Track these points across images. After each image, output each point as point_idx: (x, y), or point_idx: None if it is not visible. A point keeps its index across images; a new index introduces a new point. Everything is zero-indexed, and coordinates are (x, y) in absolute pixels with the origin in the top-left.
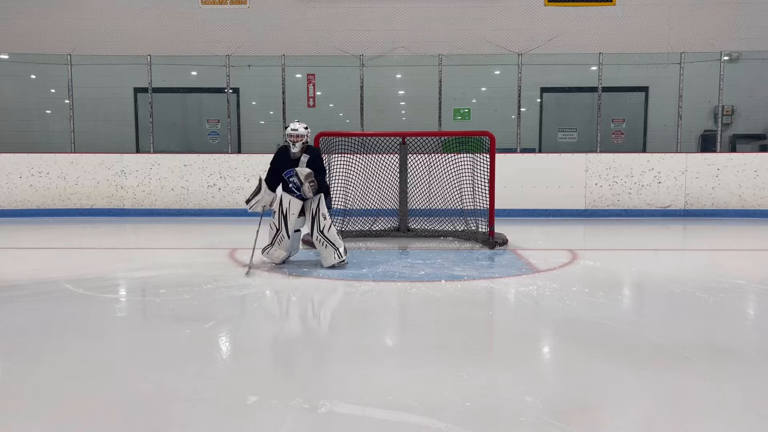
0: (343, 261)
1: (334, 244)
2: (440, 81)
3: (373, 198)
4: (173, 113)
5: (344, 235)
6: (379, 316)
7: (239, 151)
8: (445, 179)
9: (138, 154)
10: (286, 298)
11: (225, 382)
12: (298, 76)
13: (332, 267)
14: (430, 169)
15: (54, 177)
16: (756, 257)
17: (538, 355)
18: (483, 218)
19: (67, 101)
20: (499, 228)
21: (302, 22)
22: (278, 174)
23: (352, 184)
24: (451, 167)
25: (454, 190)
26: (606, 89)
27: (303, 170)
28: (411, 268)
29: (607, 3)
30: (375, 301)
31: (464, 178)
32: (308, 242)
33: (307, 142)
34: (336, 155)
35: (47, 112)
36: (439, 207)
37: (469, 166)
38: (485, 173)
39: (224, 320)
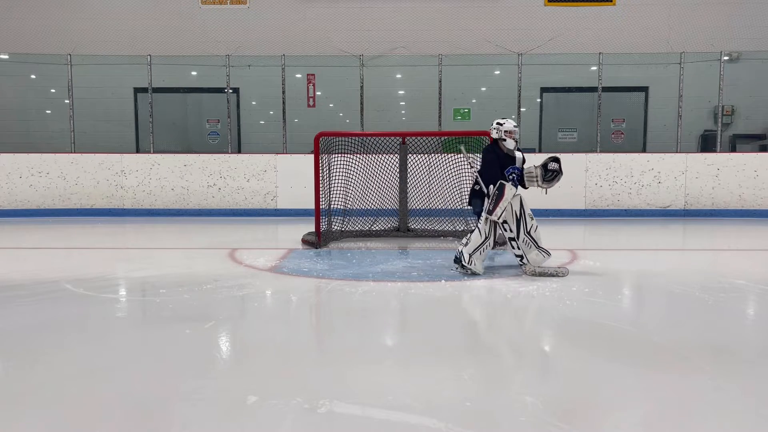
0: (549, 257)
1: (537, 244)
2: (440, 81)
3: (373, 198)
4: (173, 113)
5: (344, 235)
6: (379, 316)
7: (239, 151)
8: (445, 179)
9: (138, 154)
10: (286, 298)
11: (225, 382)
12: (298, 76)
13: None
14: (430, 169)
15: (54, 177)
16: (756, 257)
17: (538, 355)
18: None
19: (67, 101)
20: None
21: (302, 22)
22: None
23: (352, 184)
24: (451, 167)
25: (454, 190)
26: (606, 89)
27: (538, 169)
28: (411, 268)
29: (607, 3)
30: (375, 301)
31: (464, 178)
32: (308, 242)
33: None
34: (336, 155)
35: (47, 112)
36: (439, 207)
37: (469, 166)
38: None
39: (224, 320)
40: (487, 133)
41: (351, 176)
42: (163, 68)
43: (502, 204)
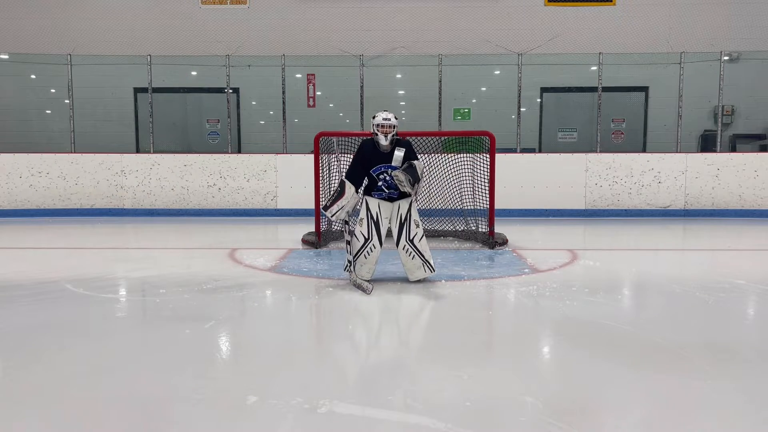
0: (433, 273)
1: (423, 255)
2: (440, 81)
3: None
4: (173, 113)
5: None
6: (379, 316)
7: (239, 151)
8: (445, 179)
9: (138, 154)
10: (286, 298)
11: (225, 382)
12: (298, 76)
13: (418, 281)
14: (430, 169)
15: (54, 177)
16: (756, 257)
17: (538, 355)
18: (483, 218)
19: (67, 101)
20: (499, 228)
21: (302, 22)
22: (364, 172)
23: None
24: (451, 167)
25: (454, 190)
26: (606, 89)
27: (401, 174)
28: None
29: (607, 3)
30: (375, 301)
31: (464, 178)
32: (308, 242)
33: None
34: (336, 155)
35: (47, 112)
36: (439, 207)
37: (469, 166)
38: (485, 173)
39: (224, 320)
40: (487, 133)
41: None
42: (163, 68)
43: (341, 202)
